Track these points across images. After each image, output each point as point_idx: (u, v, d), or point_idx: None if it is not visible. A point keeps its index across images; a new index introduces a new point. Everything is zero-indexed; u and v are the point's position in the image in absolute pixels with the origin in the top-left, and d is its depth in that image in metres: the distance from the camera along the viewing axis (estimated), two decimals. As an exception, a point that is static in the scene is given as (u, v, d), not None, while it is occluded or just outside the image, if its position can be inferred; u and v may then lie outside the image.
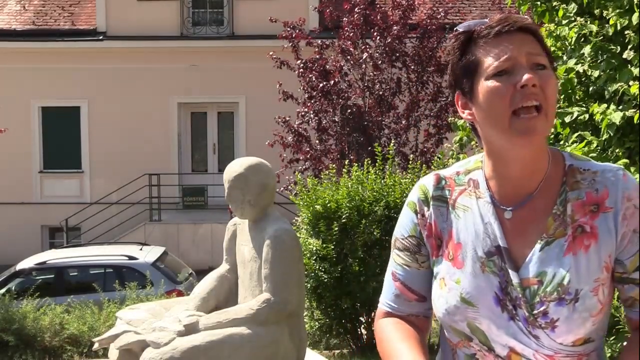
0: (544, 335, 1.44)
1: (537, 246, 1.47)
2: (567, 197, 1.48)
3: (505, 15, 1.48)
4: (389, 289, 1.67)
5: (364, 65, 12.27)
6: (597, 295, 1.44)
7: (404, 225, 1.61)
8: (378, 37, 12.07)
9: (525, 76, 1.40)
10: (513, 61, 1.42)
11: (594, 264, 1.44)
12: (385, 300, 1.68)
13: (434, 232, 1.57)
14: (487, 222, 1.51)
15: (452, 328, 1.54)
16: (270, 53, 12.41)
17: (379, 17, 12.17)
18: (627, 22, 3.83)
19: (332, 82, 11.89)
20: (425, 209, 1.58)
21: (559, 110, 4.02)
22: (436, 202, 1.57)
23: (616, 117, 3.64)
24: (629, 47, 3.84)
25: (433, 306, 1.58)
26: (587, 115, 3.88)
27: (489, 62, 1.44)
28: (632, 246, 1.45)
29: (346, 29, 12.21)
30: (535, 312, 1.44)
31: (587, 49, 3.93)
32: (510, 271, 1.47)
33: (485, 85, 1.44)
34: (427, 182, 1.60)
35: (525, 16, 1.57)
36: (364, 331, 7.81)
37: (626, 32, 3.86)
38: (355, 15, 12.19)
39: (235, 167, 4.15)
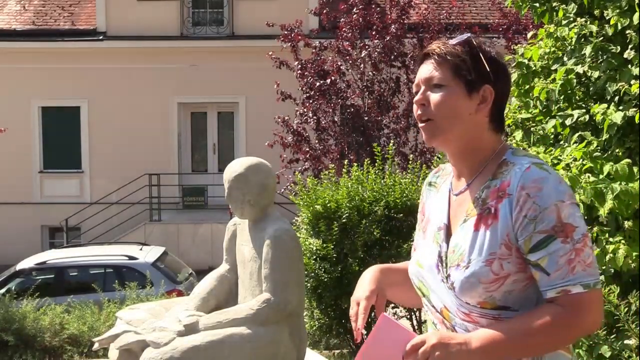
0: (453, 295, 1.75)
1: (459, 223, 1.80)
2: (488, 185, 1.78)
3: (431, 45, 1.87)
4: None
5: (362, 66, 12.27)
6: (489, 266, 1.70)
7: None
8: (376, 37, 12.07)
9: (416, 97, 1.84)
10: (418, 86, 1.85)
11: (492, 240, 1.71)
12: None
13: (423, 209, 1.99)
14: (442, 204, 1.89)
15: (415, 286, 1.91)
16: (270, 53, 12.42)
17: (376, 17, 12.17)
18: (628, 21, 3.83)
19: (328, 80, 11.88)
20: (424, 191, 2.01)
21: (560, 113, 4.02)
22: (429, 186, 1.99)
23: (617, 117, 3.64)
24: (630, 46, 3.84)
25: None
26: (587, 117, 3.88)
27: (414, 85, 1.90)
28: (524, 229, 1.69)
29: (344, 29, 12.21)
30: (446, 274, 1.78)
31: (587, 50, 3.92)
32: (444, 243, 1.82)
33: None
34: (432, 172, 2.03)
35: (443, 43, 1.85)
36: (364, 331, 7.81)
37: (627, 32, 3.86)
38: (354, 16, 12.19)
39: (236, 167, 4.15)
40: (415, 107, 1.85)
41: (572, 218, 1.69)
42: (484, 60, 1.80)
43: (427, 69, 1.82)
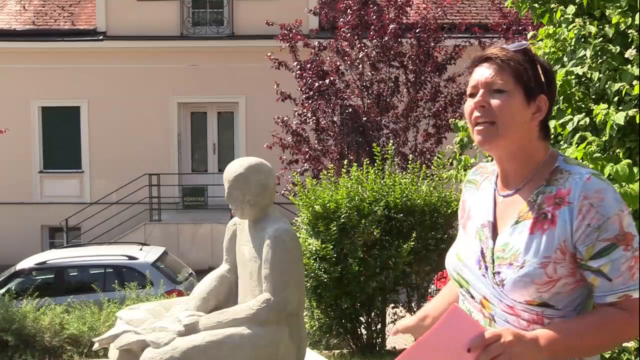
0: (499, 290, 1.83)
1: (510, 224, 1.87)
2: (542, 190, 1.85)
3: (489, 48, 1.93)
4: None
5: (361, 66, 12.27)
6: (544, 269, 1.77)
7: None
8: (374, 37, 12.07)
9: (476, 99, 1.87)
10: (476, 88, 1.88)
11: (548, 244, 1.78)
12: None
13: (462, 206, 2.08)
14: (487, 202, 1.96)
15: (452, 277, 1.99)
16: (269, 54, 12.42)
17: (374, 17, 12.17)
18: (630, 21, 3.83)
19: (327, 80, 11.88)
20: (464, 189, 2.10)
21: (560, 116, 4.02)
22: (469, 184, 2.08)
23: (619, 117, 3.64)
24: (632, 46, 3.83)
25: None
26: (587, 120, 3.87)
27: (468, 85, 1.93)
28: (587, 238, 1.76)
29: (342, 29, 12.21)
30: (494, 271, 1.85)
31: (587, 52, 3.92)
32: (490, 240, 1.90)
33: (465, 103, 1.93)
34: (472, 169, 2.11)
35: (506, 47, 1.92)
36: (364, 331, 7.82)
37: (629, 32, 3.85)
38: (350, 16, 12.19)
39: (236, 167, 4.15)
40: (469, 108, 1.89)
41: (631, 227, 1.78)
42: (539, 70, 1.88)
43: (487, 72, 1.87)
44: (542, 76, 1.87)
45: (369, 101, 12.27)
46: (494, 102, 1.84)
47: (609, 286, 1.76)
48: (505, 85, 1.84)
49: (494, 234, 1.90)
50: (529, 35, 4.81)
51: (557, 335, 1.72)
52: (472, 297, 1.92)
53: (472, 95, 1.89)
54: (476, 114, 1.86)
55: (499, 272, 1.83)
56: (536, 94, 1.86)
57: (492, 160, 2.04)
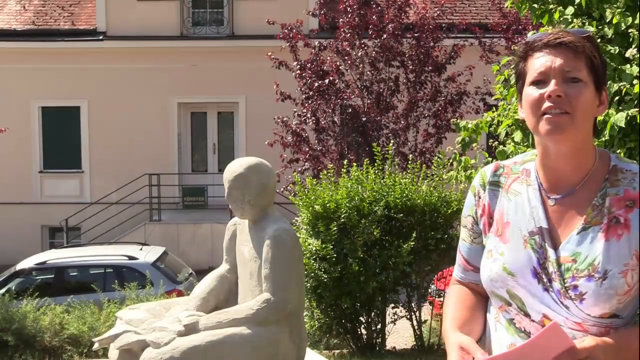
0: (574, 306, 1.66)
1: (575, 230, 1.70)
2: (607, 192, 1.70)
3: (555, 31, 1.74)
4: (457, 259, 1.97)
5: (361, 65, 12.27)
6: (624, 278, 1.65)
7: (466, 206, 1.91)
8: (374, 37, 12.07)
9: (550, 88, 1.67)
10: (546, 74, 1.69)
11: (624, 250, 1.65)
12: (455, 270, 1.98)
13: (487, 211, 1.84)
14: (533, 206, 1.75)
15: (494, 294, 1.78)
16: (269, 54, 12.42)
17: (374, 17, 12.17)
18: (630, 21, 3.83)
19: (327, 80, 11.89)
20: (482, 191, 1.86)
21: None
22: (492, 186, 1.84)
23: (620, 118, 3.63)
24: (633, 45, 3.83)
25: (480, 274, 1.83)
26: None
27: (531, 72, 1.72)
28: None
29: (342, 29, 12.21)
30: (567, 285, 1.67)
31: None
32: (549, 249, 1.71)
33: (526, 91, 1.73)
34: (487, 169, 1.88)
35: (571, 31, 1.75)
36: (363, 331, 7.81)
37: (630, 31, 3.85)
38: (350, 16, 12.20)
39: (235, 167, 4.15)
40: (534, 97, 1.69)
41: None
42: (603, 61, 1.75)
43: (561, 59, 1.68)
44: (604, 68, 1.76)
45: (369, 101, 12.26)
46: (571, 92, 1.67)
47: None
48: (581, 74, 1.68)
49: (553, 242, 1.71)
50: (529, 35, 4.80)
51: (629, 341, 1.64)
52: (527, 315, 1.72)
53: (538, 82, 1.70)
54: (547, 104, 1.67)
55: (576, 286, 1.66)
56: (602, 86, 1.75)
57: (505, 159, 1.90)
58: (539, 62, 1.70)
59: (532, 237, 1.73)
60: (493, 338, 1.81)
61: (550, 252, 1.70)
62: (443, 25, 12.97)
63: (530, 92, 1.71)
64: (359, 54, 12.14)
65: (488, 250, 1.81)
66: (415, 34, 12.31)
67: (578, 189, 1.73)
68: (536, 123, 1.70)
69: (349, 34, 12.16)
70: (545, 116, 1.67)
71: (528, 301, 1.71)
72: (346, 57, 12.24)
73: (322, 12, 13.17)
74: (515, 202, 1.78)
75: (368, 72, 12.31)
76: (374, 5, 12.41)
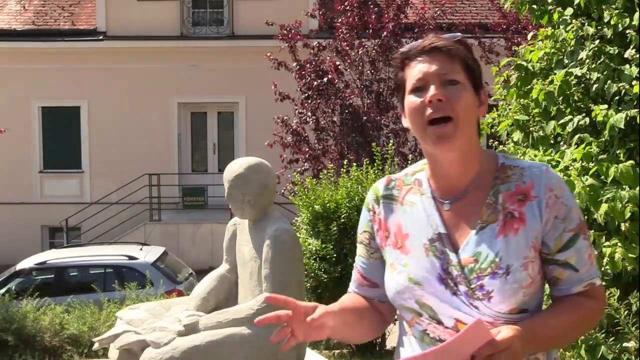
0: (483, 306, 1.67)
1: (473, 231, 1.72)
2: (499, 190, 1.73)
3: (428, 38, 1.75)
4: (352, 276, 1.96)
5: (360, 65, 12.27)
6: (526, 270, 1.68)
7: (361, 222, 1.92)
8: (372, 37, 12.07)
9: (430, 93, 1.67)
10: (424, 79, 1.70)
11: (522, 244, 1.69)
12: (350, 285, 1.97)
13: (383, 225, 1.84)
14: (429, 214, 1.77)
15: (403, 307, 1.77)
16: (268, 54, 12.41)
17: (373, 17, 12.17)
18: (627, 22, 3.83)
19: (325, 79, 11.89)
20: (376, 206, 1.86)
21: (560, 117, 4.01)
22: (386, 200, 1.85)
23: (619, 119, 3.63)
24: (631, 46, 3.83)
25: (385, 289, 1.82)
26: (587, 120, 3.88)
27: (409, 80, 1.73)
28: (555, 230, 1.71)
29: (341, 30, 12.21)
30: (473, 286, 1.68)
31: (584, 53, 3.92)
32: (450, 253, 1.72)
33: (407, 100, 1.74)
34: (379, 184, 1.89)
35: (443, 37, 1.75)
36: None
37: (627, 32, 3.85)
38: (349, 15, 12.20)
39: (235, 167, 4.15)
40: (416, 105, 1.70)
41: (582, 216, 1.77)
42: (477, 63, 1.78)
43: (436, 64, 1.70)
44: (480, 69, 1.77)
45: (368, 101, 12.27)
46: (450, 94, 1.67)
47: (576, 277, 1.73)
48: (458, 76, 1.70)
49: (453, 246, 1.73)
50: (529, 36, 4.81)
51: (547, 331, 1.67)
52: (440, 323, 1.71)
53: (418, 89, 1.70)
54: (430, 110, 1.67)
55: (482, 286, 1.67)
56: (479, 86, 1.76)
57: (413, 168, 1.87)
58: (417, 69, 1.71)
59: (432, 244, 1.74)
60: (406, 354, 1.78)
61: (452, 256, 1.71)
62: (443, 25, 12.97)
63: (412, 100, 1.72)
64: (359, 52, 12.13)
65: (390, 264, 1.80)
66: (415, 34, 12.31)
67: (470, 191, 1.75)
68: (423, 132, 1.71)
69: (347, 34, 12.16)
70: (430, 127, 1.67)
71: (438, 308, 1.71)
72: (345, 57, 12.24)
73: (320, 12, 13.17)
74: (411, 213, 1.79)
75: (368, 72, 12.31)
76: (372, 6, 12.40)
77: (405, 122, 1.78)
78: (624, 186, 3.49)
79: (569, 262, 1.72)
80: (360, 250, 1.92)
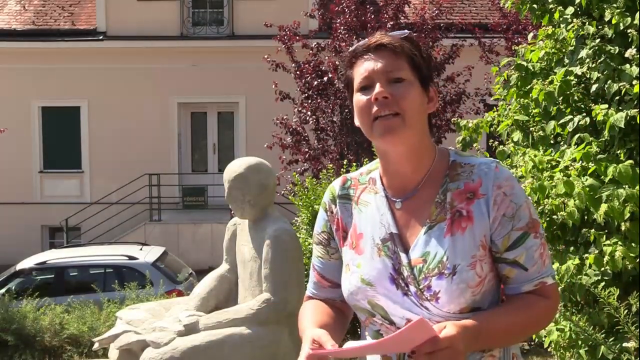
0: (432, 306, 1.66)
1: (422, 230, 1.70)
2: (448, 187, 1.71)
3: (375, 36, 1.74)
4: (310, 277, 1.94)
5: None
6: (474, 269, 1.66)
7: (318, 223, 1.90)
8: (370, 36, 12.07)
9: (376, 90, 1.67)
10: (370, 77, 1.69)
11: (470, 243, 1.67)
12: (309, 286, 1.95)
13: (340, 225, 1.83)
14: (382, 214, 1.75)
15: (357, 307, 1.76)
16: (266, 56, 12.40)
17: (371, 17, 12.18)
18: (629, 21, 3.83)
19: (325, 78, 11.89)
20: (333, 206, 1.85)
21: (560, 118, 4.01)
22: (342, 200, 1.84)
23: (619, 118, 3.63)
24: (633, 46, 3.83)
25: (342, 290, 1.80)
26: (588, 120, 3.87)
27: (357, 79, 1.73)
28: (502, 228, 1.68)
29: (339, 30, 12.22)
30: (421, 286, 1.67)
31: (584, 52, 3.92)
32: (401, 253, 1.70)
33: (355, 98, 1.74)
34: (335, 184, 1.88)
35: (390, 34, 1.74)
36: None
37: (629, 31, 3.85)
38: (347, 15, 12.20)
39: (235, 167, 4.15)
40: (362, 103, 1.70)
41: (536, 214, 1.73)
42: (425, 59, 1.76)
43: (382, 61, 1.69)
44: (430, 67, 1.77)
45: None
46: (396, 92, 1.67)
47: (525, 276, 1.70)
48: (404, 73, 1.69)
49: (404, 245, 1.71)
50: (529, 36, 4.81)
51: (484, 323, 1.63)
52: (393, 323, 1.71)
53: (365, 88, 1.71)
54: (376, 108, 1.67)
55: (429, 286, 1.66)
56: (428, 83, 1.75)
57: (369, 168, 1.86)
58: (363, 67, 1.71)
59: (384, 244, 1.73)
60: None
61: (403, 256, 1.70)
62: (441, 25, 12.97)
63: (359, 99, 1.72)
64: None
65: (345, 265, 1.79)
66: (414, 34, 12.30)
67: (420, 189, 1.73)
68: (370, 128, 1.70)
69: (346, 34, 12.16)
70: (377, 121, 1.67)
71: (390, 309, 1.70)
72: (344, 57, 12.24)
73: (319, 13, 13.17)
74: (366, 212, 1.78)
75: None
76: (369, 6, 12.40)
77: (356, 121, 1.76)
78: (623, 186, 3.49)
79: (517, 261, 1.69)
80: (319, 251, 1.89)
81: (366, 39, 1.77)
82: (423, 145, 1.74)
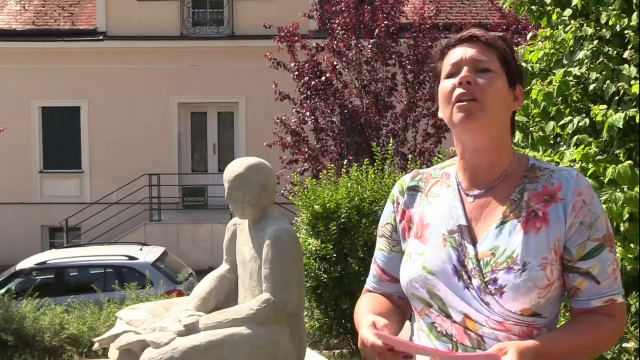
0: (494, 302, 1.63)
1: (494, 225, 1.70)
2: (525, 188, 1.71)
3: (466, 30, 1.78)
4: (371, 271, 1.96)
5: (358, 65, 12.27)
6: (544, 271, 1.64)
7: (384, 215, 1.91)
8: (368, 36, 12.09)
9: (461, 74, 1.69)
10: (459, 65, 1.72)
11: (543, 244, 1.65)
12: (368, 280, 1.96)
13: (406, 216, 1.84)
14: (452, 206, 1.76)
15: (415, 296, 1.75)
16: (268, 54, 12.41)
17: (367, 16, 12.19)
18: (625, 22, 3.83)
19: (323, 78, 11.89)
20: (400, 197, 1.87)
21: (560, 119, 4.01)
22: (410, 191, 1.85)
23: (618, 119, 3.64)
24: (629, 47, 3.84)
25: (400, 278, 1.81)
26: (587, 120, 3.88)
27: (445, 67, 1.76)
28: (579, 236, 1.66)
29: (337, 30, 12.22)
30: (486, 279, 1.65)
31: (582, 53, 3.93)
32: (468, 245, 1.70)
33: (440, 85, 1.76)
34: (406, 177, 1.90)
35: (480, 30, 1.78)
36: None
37: (626, 32, 3.86)
38: (345, 16, 12.21)
39: (235, 167, 4.15)
40: (448, 87, 1.72)
41: (612, 229, 1.71)
42: (515, 59, 1.78)
43: (472, 50, 1.72)
44: (519, 67, 1.79)
45: (367, 101, 12.27)
46: (481, 80, 1.69)
47: (596, 289, 1.67)
48: (492, 65, 1.72)
49: (472, 238, 1.71)
50: (528, 36, 4.82)
51: (549, 345, 1.60)
52: (449, 316, 1.70)
53: (453, 75, 1.73)
54: (459, 90, 1.69)
55: (495, 280, 1.64)
56: (516, 81, 1.76)
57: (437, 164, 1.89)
58: (453, 56, 1.74)
59: (451, 235, 1.72)
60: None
61: (470, 248, 1.69)
62: (439, 24, 12.97)
63: (444, 85, 1.73)
64: (353, 52, 12.14)
65: (407, 254, 1.79)
66: (413, 34, 12.32)
67: (496, 186, 1.73)
68: (450, 113, 1.71)
69: (344, 34, 12.17)
70: (458, 104, 1.68)
71: (449, 300, 1.69)
72: (343, 58, 12.25)
73: (318, 13, 13.18)
74: (435, 204, 1.79)
75: (365, 72, 12.31)
76: (367, 7, 12.41)
77: (440, 112, 1.78)
78: (622, 187, 3.49)
79: (590, 272, 1.66)
80: (381, 243, 1.90)
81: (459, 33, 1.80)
82: (502, 143, 1.74)
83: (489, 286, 1.64)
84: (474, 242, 1.70)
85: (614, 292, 1.68)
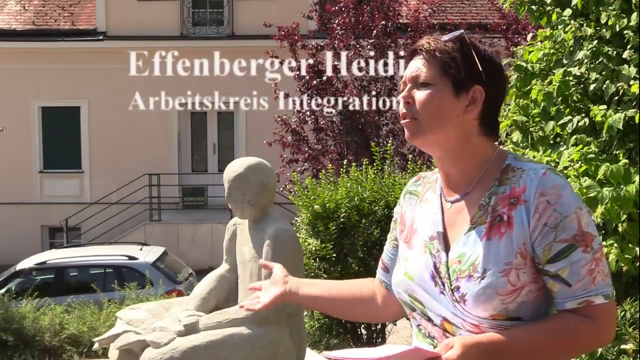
0: (461, 308, 1.64)
1: (463, 231, 1.69)
2: (495, 191, 1.68)
3: (421, 40, 1.78)
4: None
5: (357, 65, 12.29)
6: (506, 277, 1.60)
7: (395, 210, 1.97)
8: (365, 36, 12.10)
9: (402, 93, 1.75)
10: (404, 82, 1.76)
11: (506, 249, 1.62)
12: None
13: (402, 219, 1.89)
14: (434, 212, 1.78)
15: (400, 299, 1.81)
16: (269, 52, 12.41)
17: (366, 17, 12.20)
18: (625, 23, 3.84)
19: (324, 77, 11.90)
20: (402, 200, 1.92)
21: (559, 118, 4.01)
22: (410, 195, 1.89)
23: (618, 119, 3.64)
24: (629, 47, 3.84)
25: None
26: (587, 120, 3.88)
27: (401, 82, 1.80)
28: (543, 238, 1.61)
29: (336, 30, 12.23)
30: (452, 287, 1.66)
31: (582, 53, 3.93)
32: (442, 252, 1.71)
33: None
34: (411, 180, 1.94)
35: (433, 38, 1.75)
36: (364, 331, 7.82)
37: (625, 32, 3.86)
38: (345, 16, 12.21)
39: (235, 167, 4.15)
40: (400, 104, 1.76)
41: (590, 227, 1.63)
42: (476, 59, 1.70)
43: (414, 66, 1.73)
44: (479, 66, 1.69)
45: (367, 101, 12.28)
46: (418, 96, 1.71)
47: (568, 292, 1.61)
48: (431, 78, 1.70)
49: (446, 245, 1.71)
50: (528, 37, 4.82)
51: (505, 341, 1.57)
52: (430, 320, 1.72)
53: (403, 91, 1.77)
54: (403, 110, 1.73)
55: (458, 287, 1.64)
56: (468, 85, 1.69)
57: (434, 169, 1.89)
58: (405, 71, 1.79)
59: (431, 241, 1.74)
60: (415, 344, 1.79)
61: (443, 255, 1.70)
62: (435, 24, 12.98)
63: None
64: (353, 53, 12.16)
65: (398, 258, 1.85)
66: (410, 34, 12.33)
67: (470, 191, 1.72)
68: None
69: (344, 34, 12.18)
70: (402, 122, 1.74)
71: (428, 305, 1.71)
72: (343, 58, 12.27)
73: (317, 13, 13.19)
74: (425, 209, 1.81)
75: (364, 72, 12.32)
76: (365, 6, 12.42)
77: None
78: (621, 186, 3.49)
79: (559, 275, 1.61)
80: (389, 236, 1.98)
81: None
82: (466, 149, 1.71)
83: (454, 294, 1.65)
84: (447, 249, 1.71)
85: (589, 294, 1.61)
